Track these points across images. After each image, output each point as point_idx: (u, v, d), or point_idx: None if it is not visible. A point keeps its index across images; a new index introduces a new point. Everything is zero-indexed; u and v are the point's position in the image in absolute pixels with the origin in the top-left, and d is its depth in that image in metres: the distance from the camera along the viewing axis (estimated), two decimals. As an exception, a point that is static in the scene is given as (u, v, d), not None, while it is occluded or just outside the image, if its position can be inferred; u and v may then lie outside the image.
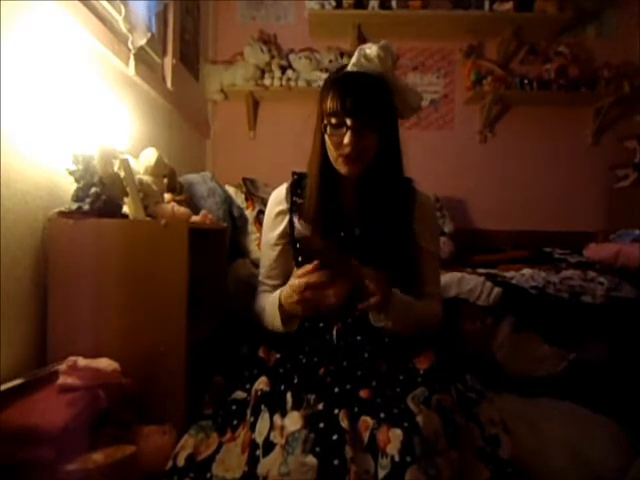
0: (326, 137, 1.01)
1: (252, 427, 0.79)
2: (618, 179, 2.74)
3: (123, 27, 1.47)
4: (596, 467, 1.17)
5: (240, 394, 0.89)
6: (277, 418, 0.78)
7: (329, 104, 0.99)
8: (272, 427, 0.77)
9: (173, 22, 2.07)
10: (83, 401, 0.81)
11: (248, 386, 0.89)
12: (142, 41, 1.55)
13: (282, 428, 0.76)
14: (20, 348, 0.99)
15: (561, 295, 1.75)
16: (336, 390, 0.83)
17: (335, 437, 0.72)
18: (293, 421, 0.76)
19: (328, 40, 2.73)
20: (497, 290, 1.72)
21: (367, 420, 0.76)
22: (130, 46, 1.51)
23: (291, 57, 2.69)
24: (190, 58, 2.42)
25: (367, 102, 0.98)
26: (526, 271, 1.94)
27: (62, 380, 0.84)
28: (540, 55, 2.78)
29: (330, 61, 2.67)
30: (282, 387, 0.84)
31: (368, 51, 1.02)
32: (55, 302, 1.02)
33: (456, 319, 1.75)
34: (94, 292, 1.01)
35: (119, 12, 1.46)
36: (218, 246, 1.40)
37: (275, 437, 0.75)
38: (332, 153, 1.02)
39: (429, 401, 0.79)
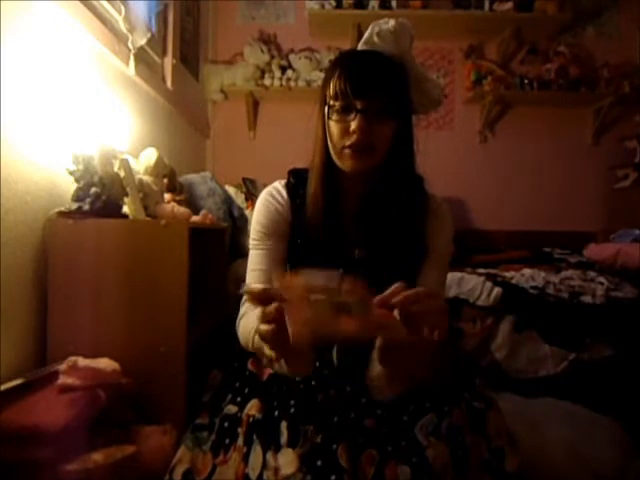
0: (330, 125, 0.84)
1: (245, 458, 0.74)
2: (618, 179, 2.74)
3: (123, 27, 1.47)
4: (596, 467, 1.17)
5: (231, 408, 0.82)
6: (270, 457, 0.72)
7: (334, 84, 0.83)
8: (265, 465, 0.72)
9: (173, 22, 2.08)
10: (83, 401, 0.81)
11: (239, 399, 0.83)
12: (142, 41, 1.55)
13: (276, 470, 0.70)
14: (20, 348, 0.99)
15: (561, 295, 1.75)
16: (336, 419, 0.76)
17: (333, 478, 0.68)
18: (287, 461, 0.70)
19: (328, 40, 2.74)
20: (497, 290, 1.72)
21: (372, 453, 0.71)
22: (130, 46, 1.51)
23: (291, 57, 2.69)
24: (190, 58, 2.42)
25: (380, 81, 0.82)
26: (526, 271, 1.94)
27: (62, 380, 0.84)
28: (540, 55, 2.79)
29: (330, 61, 2.67)
30: (276, 413, 0.77)
31: (384, 26, 0.87)
32: (55, 302, 1.02)
33: (456, 319, 1.75)
34: (94, 292, 1.01)
35: (119, 12, 1.46)
36: (218, 246, 1.40)
37: (269, 478, 0.70)
38: (335, 144, 0.84)
39: (439, 429, 0.74)
